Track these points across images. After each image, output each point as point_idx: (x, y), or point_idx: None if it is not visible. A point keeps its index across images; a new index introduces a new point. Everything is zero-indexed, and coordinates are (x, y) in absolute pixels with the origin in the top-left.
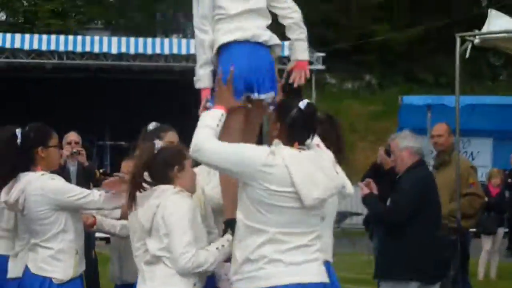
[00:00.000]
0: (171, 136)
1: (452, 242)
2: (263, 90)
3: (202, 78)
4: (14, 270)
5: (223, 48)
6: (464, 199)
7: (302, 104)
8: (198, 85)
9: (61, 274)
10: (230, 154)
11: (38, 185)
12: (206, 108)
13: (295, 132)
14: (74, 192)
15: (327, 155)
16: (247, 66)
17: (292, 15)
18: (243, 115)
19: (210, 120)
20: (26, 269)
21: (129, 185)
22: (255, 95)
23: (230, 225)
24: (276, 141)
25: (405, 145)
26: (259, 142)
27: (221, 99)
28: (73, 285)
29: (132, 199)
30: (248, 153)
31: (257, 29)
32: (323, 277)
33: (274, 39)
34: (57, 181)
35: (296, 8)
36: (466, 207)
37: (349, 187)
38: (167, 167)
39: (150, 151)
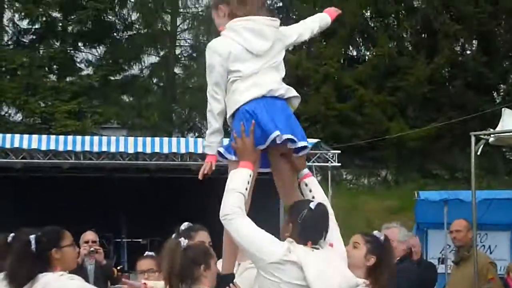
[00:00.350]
0: (202, 236)
1: None
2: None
3: (211, 145)
4: None
5: (241, 107)
6: None
7: (313, 204)
8: (206, 150)
9: None
10: (251, 241)
11: (57, 286)
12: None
13: (307, 231)
14: None
15: (340, 254)
16: (266, 117)
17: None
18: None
19: (240, 183)
20: None
21: None
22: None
23: (227, 280)
24: (289, 239)
25: None
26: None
27: (243, 154)
28: None
29: None
30: (266, 247)
31: (273, 83)
32: None
33: (291, 92)
34: (77, 281)
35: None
36: None
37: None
38: (194, 266)
39: (176, 250)
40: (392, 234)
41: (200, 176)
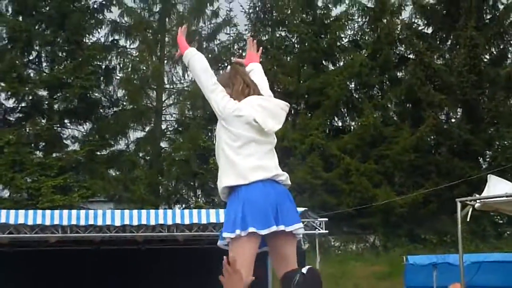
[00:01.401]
0: None
1: None
2: (288, 222)
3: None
4: None
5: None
6: None
7: (305, 269)
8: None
9: None
10: None
11: None
12: None
13: None
14: None
15: None
16: (266, 198)
17: None
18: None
19: None
20: None
21: None
22: (281, 228)
23: None
24: None
25: None
26: None
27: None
28: None
29: None
30: None
31: (277, 169)
32: None
33: (288, 180)
34: None
35: None
36: None
37: None
38: None
39: None
40: None
41: None
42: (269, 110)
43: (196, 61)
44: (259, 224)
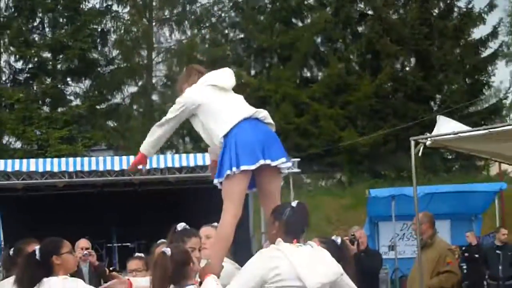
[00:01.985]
0: (194, 242)
1: None
2: (275, 157)
3: None
4: None
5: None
6: (443, 275)
7: (294, 203)
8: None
9: None
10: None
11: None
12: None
13: (291, 227)
14: None
15: (324, 251)
16: (254, 136)
17: None
18: (245, 184)
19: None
20: None
21: None
22: (267, 162)
23: None
24: (278, 240)
25: None
26: None
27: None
28: None
29: None
30: (254, 272)
31: (255, 109)
32: None
33: (269, 118)
34: (79, 283)
35: None
36: (443, 282)
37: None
38: (185, 266)
39: (164, 258)
40: None
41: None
42: (221, 73)
43: (153, 134)
44: (249, 160)
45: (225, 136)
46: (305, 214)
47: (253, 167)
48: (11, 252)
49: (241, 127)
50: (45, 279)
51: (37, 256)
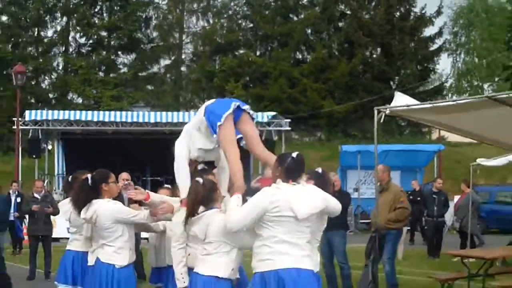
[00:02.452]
0: (211, 177)
1: (373, 237)
2: (243, 104)
3: None
4: (92, 260)
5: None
6: (398, 210)
7: (294, 154)
8: None
9: (120, 262)
10: (249, 215)
11: (106, 207)
12: None
13: (290, 172)
14: (129, 213)
15: (313, 187)
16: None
17: None
18: (233, 128)
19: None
20: (97, 259)
21: (187, 211)
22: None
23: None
24: (278, 180)
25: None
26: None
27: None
28: (127, 270)
29: (186, 219)
30: (261, 203)
31: None
32: (315, 267)
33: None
34: (118, 205)
35: None
36: (399, 215)
37: (336, 207)
38: (212, 192)
39: (198, 186)
40: None
41: None
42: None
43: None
44: (226, 109)
45: (204, 114)
46: (302, 163)
47: (231, 110)
48: (69, 179)
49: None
50: (94, 201)
51: (90, 183)
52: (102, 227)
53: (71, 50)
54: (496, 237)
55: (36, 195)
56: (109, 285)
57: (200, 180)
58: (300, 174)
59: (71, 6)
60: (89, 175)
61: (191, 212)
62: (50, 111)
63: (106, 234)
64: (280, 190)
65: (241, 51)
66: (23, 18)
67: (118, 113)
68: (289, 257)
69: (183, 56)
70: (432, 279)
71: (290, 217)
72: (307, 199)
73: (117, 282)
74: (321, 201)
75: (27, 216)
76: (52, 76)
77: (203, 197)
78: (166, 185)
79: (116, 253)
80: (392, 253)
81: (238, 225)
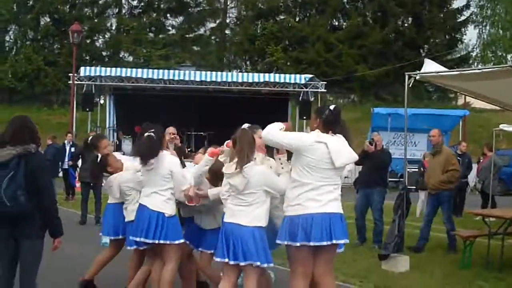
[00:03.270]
0: (259, 133)
1: (401, 194)
2: None
3: None
4: (129, 215)
5: None
6: (449, 172)
7: (331, 107)
8: None
9: (169, 211)
10: (293, 137)
11: (168, 158)
12: None
13: (328, 124)
14: (180, 167)
15: (344, 140)
16: None
17: None
18: None
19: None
20: (144, 207)
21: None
22: None
23: None
24: (317, 130)
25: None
26: None
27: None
28: (174, 218)
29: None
30: (303, 137)
31: None
32: (340, 210)
33: None
34: (176, 159)
35: None
36: (450, 177)
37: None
38: (253, 146)
39: (247, 135)
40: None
41: None
42: None
43: None
44: None
45: None
46: (339, 115)
47: None
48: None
49: None
50: (160, 152)
51: (155, 136)
52: (161, 174)
53: (124, 11)
54: None
55: None
56: (159, 231)
57: (246, 125)
58: (337, 125)
59: None
60: (151, 131)
61: (244, 160)
62: (103, 68)
63: (161, 182)
64: (320, 138)
65: (282, 17)
66: None
67: (166, 71)
68: (318, 202)
69: (227, 20)
70: (456, 235)
71: (327, 163)
72: (344, 150)
73: (166, 229)
74: (355, 154)
75: (79, 164)
76: (106, 36)
77: (251, 147)
78: (200, 151)
79: (165, 202)
80: (449, 212)
81: (278, 138)
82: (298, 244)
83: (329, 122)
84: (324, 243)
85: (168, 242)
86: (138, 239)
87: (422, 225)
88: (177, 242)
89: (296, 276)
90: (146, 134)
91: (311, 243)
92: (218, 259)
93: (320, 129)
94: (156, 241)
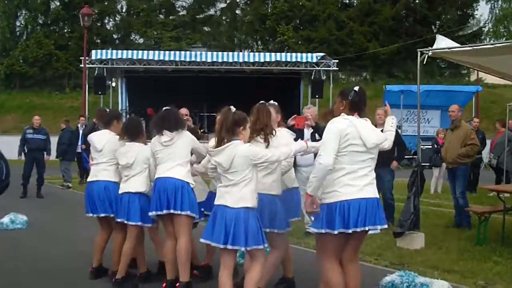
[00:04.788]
0: (273, 108)
1: (415, 171)
2: None
3: None
4: (137, 187)
5: None
6: (469, 146)
7: (356, 88)
8: None
9: (191, 181)
10: (332, 145)
11: (186, 134)
12: None
13: (354, 105)
14: (199, 143)
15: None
16: None
17: None
18: None
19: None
20: (172, 178)
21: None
22: None
23: None
24: (342, 114)
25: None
26: None
27: None
28: (194, 192)
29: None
30: (336, 133)
31: None
32: (376, 194)
33: None
34: (193, 136)
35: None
36: (469, 151)
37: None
38: (234, 127)
39: (228, 114)
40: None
41: None
42: None
43: None
44: None
45: None
46: (364, 96)
47: None
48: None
49: None
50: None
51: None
52: (182, 147)
53: None
54: None
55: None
56: (185, 197)
57: (233, 108)
58: (363, 106)
59: None
60: (167, 107)
61: (219, 139)
62: (114, 51)
63: (182, 154)
64: (349, 121)
65: None
66: None
67: (177, 52)
68: (354, 188)
69: (237, 0)
70: (470, 212)
71: (359, 145)
72: (372, 131)
73: (189, 197)
74: (383, 134)
75: None
76: (116, 18)
77: (231, 125)
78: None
79: (188, 174)
80: (464, 187)
81: (330, 159)
82: (336, 232)
83: (355, 103)
84: (359, 229)
85: (189, 213)
86: (164, 211)
87: (454, 202)
88: (195, 215)
89: (331, 260)
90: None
91: (350, 230)
92: (203, 240)
93: (346, 112)
94: (178, 212)
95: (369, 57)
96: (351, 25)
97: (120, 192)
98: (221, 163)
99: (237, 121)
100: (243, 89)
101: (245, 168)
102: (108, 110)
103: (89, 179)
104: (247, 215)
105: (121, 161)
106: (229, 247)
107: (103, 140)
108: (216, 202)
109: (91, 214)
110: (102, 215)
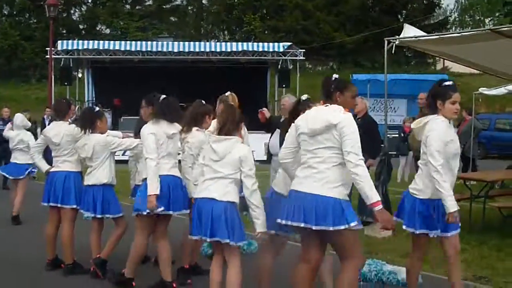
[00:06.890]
0: (231, 98)
1: (383, 160)
2: None
3: None
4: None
5: None
6: None
7: (335, 76)
8: None
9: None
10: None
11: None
12: None
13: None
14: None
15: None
16: None
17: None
18: None
19: None
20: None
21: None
22: None
23: None
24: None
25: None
26: None
27: None
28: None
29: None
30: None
31: None
32: (311, 189)
33: None
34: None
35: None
36: None
37: None
38: (238, 124)
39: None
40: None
41: None
42: None
43: None
44: None
45: None
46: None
47: None
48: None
49: None
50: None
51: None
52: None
53: None
54: (495, 162)
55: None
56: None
57: (227, 97)
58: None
59: None
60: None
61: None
62: (80, 41)
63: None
64: (310, 111)
65: None
66: None
67: (144, 43)
68: (297, 179)
69: None
70: None
71: (304, 134)
72: (322, 116)
73: (183, 191)
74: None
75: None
76: (82, 9)
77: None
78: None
79: (173, 168)
80: None
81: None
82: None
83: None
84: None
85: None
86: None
87: None
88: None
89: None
90: (163, 96)
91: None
92: (193, 237)
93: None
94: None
95: (336, 46)
96: (318, 15)
97: (84, 184)
98: (218, 152)
99: (241, 119)
100: (210, 79)
101: (236, 168)
102: (64, 99)
103: (52, 170)
104: (232, 209)
105: (82, 154)
106: (218, 239)
107: (59, 133)
108: (198, 195)
109: (46, 203)
110: (53, 204)
